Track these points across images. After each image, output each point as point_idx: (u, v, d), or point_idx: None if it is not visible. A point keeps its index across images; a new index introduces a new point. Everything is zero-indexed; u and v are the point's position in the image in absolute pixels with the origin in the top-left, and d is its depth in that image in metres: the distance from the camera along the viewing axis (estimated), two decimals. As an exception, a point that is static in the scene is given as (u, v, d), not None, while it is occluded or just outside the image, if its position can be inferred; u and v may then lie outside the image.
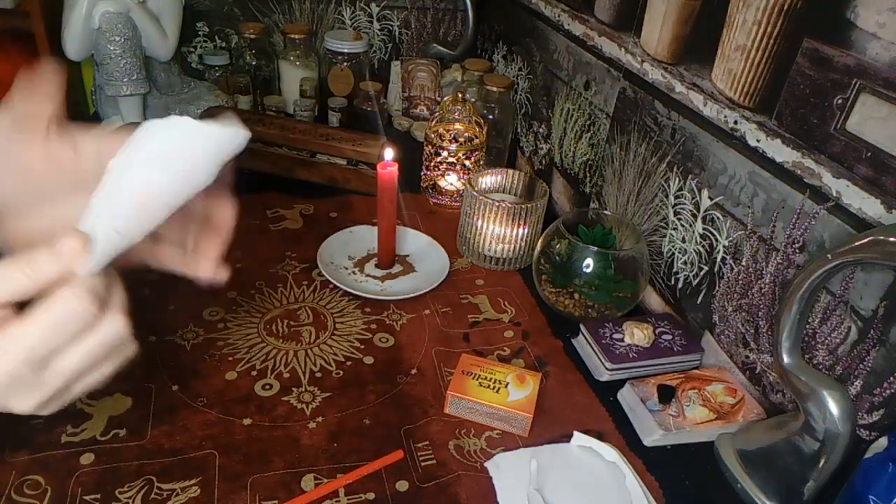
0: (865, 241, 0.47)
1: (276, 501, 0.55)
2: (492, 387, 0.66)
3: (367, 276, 0.86)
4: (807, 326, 0.60)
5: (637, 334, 0.74)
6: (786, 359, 0.55)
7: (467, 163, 1.02)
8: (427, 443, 0.63)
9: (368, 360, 0.72)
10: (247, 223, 0.94)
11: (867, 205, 0.54)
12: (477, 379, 0.67)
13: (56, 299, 0.34)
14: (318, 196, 1.02)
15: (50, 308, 0.34)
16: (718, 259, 0.72)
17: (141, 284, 0.78)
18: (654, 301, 0.85)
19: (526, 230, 0.87)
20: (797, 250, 0.62)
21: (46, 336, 0.34)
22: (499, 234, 0.87)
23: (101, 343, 0.36)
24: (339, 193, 1.04)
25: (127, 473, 0.56)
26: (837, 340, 0.58)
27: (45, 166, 0.39)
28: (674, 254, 0.80)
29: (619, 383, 0.70)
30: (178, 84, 1.23)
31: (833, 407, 0.53)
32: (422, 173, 1.06)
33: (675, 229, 0.79)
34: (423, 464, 0.61)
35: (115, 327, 0.36)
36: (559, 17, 1.04)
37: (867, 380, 0.56)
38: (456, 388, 0.65)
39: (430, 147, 1.03)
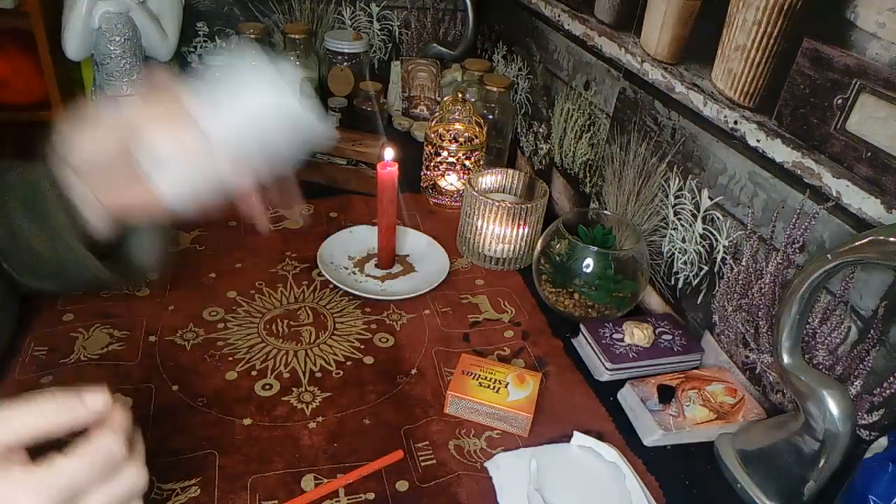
0: (865, 241, 0.47)
1: (276, 501, 0.55)
2: (492, 387, 0.66)
3: (367, 276, 0.86)
4: (807, 326, 0.60)
5: (637, 334, 0.74)
6: (786, 359, 0.55)
7: (467, 163, 1.02)
8: (427, 443, 0.63)
9: (368, 360, 0.72)
10: (247, 223, 0.94)
11: (867, 205, 0.54)
12: (477, 379, 0.67)
13: (99, 438, 0.36)
14: (318, 196, 1.02)
15: (93, 446, 0.36)
16: (718, 259, 0.72)
17: (141, 284, 0.78)
18: (654, 301, 0.85)
19: (526, 230, 0.87)
20: (797, 250, 0.62)
21: (86, 473, 0.35)
22: (499, 234, 0.87)
23: (123, 489, 0.37)
24: (339, 193, 1.04)
25: (127, 473, 0.56)
26: (837, 340, 0.58)
27: None
28: (674, 254, 0.80)
29: (619, 383, 0.70)
30: (178, 84, 1.23)
31: (833, 407, 0.53)
32: (422, 173, 1.06)
33: (675, 229, 0.79)
34: (423, 464, 0.61)
35: (136, 476, 0.38)
36: (559, 17, 1.04)
37: (867, 380, 0.56)
38: (456, 388, 0.65)
39: (430, 147, 1.03)
